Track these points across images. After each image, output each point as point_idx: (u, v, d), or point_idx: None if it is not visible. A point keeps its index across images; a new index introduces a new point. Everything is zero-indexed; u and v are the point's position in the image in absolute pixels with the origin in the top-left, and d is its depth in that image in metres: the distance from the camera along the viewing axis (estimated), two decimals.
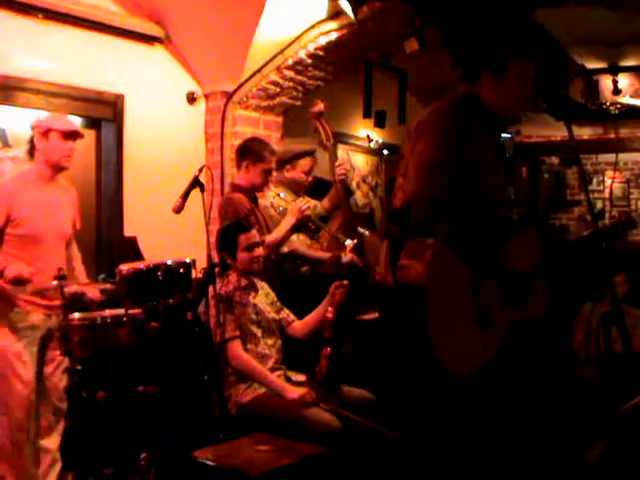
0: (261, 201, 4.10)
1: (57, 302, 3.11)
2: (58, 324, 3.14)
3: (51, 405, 3.19)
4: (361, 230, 4.24)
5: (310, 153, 4.28)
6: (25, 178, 3.16)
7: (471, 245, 2.18)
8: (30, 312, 3.07)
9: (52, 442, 3.20)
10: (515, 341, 2.24)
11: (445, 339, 2.16)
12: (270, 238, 3.79)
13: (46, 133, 3.12)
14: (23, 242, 3.06)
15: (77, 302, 3.23)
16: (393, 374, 3.45)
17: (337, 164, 4.26)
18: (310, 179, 4.26)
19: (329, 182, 4.33)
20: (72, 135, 3.18)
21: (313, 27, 4.66)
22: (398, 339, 2.64)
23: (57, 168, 3.19)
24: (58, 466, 3.24)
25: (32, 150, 3.16)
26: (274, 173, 4.22)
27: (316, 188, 4.51)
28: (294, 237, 4.12)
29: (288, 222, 3.88)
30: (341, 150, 6.42)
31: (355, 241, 4.00)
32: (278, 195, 4.11)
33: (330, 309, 3.35)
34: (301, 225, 3.95)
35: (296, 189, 4.21)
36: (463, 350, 2.17)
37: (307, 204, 3.93)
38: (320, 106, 4.22)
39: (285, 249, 4.04)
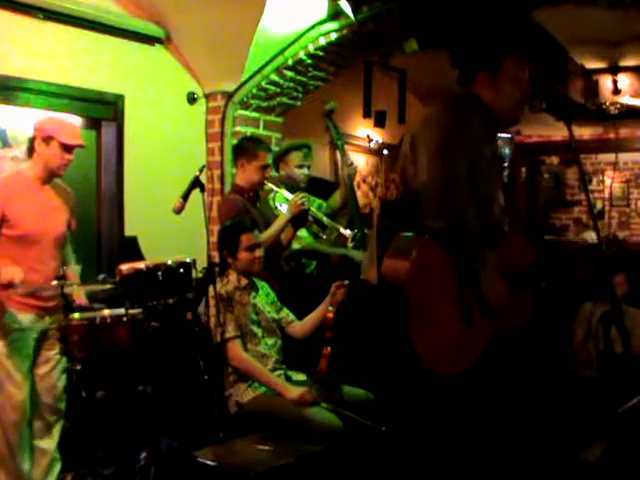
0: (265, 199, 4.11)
1: (50, 303, 3.11)
2: (52, 325, 3.12)
3: (48, 406, 3.15)
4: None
5: (299, 147, 4.26)
6: (20, 178, 3.11)
7: (463, 244, 2.17)
8: (22, 313, 3.02)
9: (49, 443, 3.16)
10: (501, 341, 2.22)
11: (429, 337, 2.15)
12: (265, 234, 3.76)
13: (47, 139, 3.04)
14: (17, 243, 3.01)
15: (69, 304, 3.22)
16: (378, 373, 3.46)
17: (349, 163, 4.28)
18: (305, 172, 4.24)
19: (332, 183, 4.33)
20: (74, 148, 3.12)
21: (313, 27, 4.66)
22: (380, 337, 2.64)
23: (52, 174, 3.14)
24: (58, 467, 3.21)
25: (31, 151, 3.11)
26: (274, 172, 4.21)
27: (319, 189, 4.51)
28: (303, 234, 4.12)
29: (284, 217, 3.86)
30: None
31: (355, 231, 3.99)
32: (274, 192, 4.09)
33: (331, 309, 3.36)
34: (299, 219, 3.91)
35: (293, 185, 4.19)
36: (448, 349, 2.16)
37: (303, 198, 3.90)
38: (331, 104, 4.22)
39: (295, 246, 4.04)
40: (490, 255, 2.17)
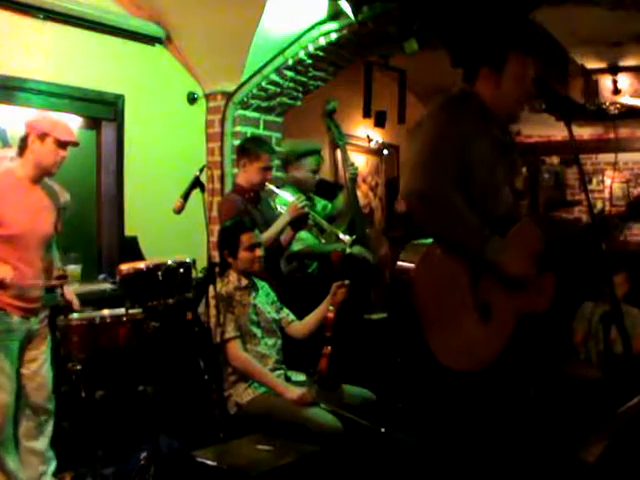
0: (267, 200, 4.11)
1: (35, 304, 3.09)
2: (37, 325, 3.11)
3: (37, 406, 3.11)
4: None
5: (316, 152, 4.27)
6: (11, 177, 3.06)
7: (461, 246, 2.17)
8: (8, 315, 2.98)
9: (42, 443, 3.13)
10: (524, 335, 2.23)
11: (445, 336, 2.15)
12: (264, 235, 3.75)
13: (42, 136, 3.02)
14: (4, 242, 2.96)
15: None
16: (395, 373, 3.45)
17: (349, 163, 4.27)
18: (317, 177, 4.26)
19: (334, 183, 4.32)
20: (68, 144, 3.10)
21: (313, 27, 4.66)
22: (398, 339, 2.64)
23: (44, 173, 3.10)
24: (53, 465, 3.20)
25: (23, 149, 3.06)
26: (278, 173, 4.20)
27: (322, 189, 4.51)
28: (303, 236, 4.11)
29: (283, 219, 3.85)
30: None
31: (353, 237, 3.99)
32: (275, 194, 4.08)
33: (331, 309, 3.36)
34: (298, 222, 3.91)
35: (303, 188, 4.20)
36: (467, 347, 2.16)
37: (303, 201, 3.89)
38: (333, 104, 4.20)
39: (296, 247, 4.04)
40: (496, 239, 2.17)
